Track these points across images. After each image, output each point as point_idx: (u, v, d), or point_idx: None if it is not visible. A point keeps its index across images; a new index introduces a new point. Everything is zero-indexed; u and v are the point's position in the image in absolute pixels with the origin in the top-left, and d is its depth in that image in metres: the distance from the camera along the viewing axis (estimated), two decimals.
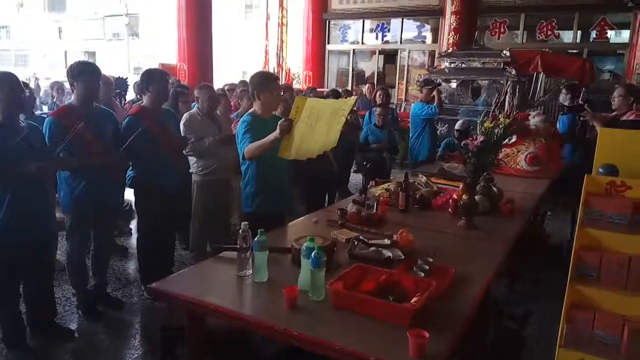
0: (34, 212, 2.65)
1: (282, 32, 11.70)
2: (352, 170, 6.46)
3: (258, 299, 1.90)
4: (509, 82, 6.63)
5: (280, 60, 11.80)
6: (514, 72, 6.65)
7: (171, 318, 2.11)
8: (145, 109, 3.35)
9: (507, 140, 4.54)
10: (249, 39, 18.12)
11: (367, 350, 1.49)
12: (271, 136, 2.70)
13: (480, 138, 2.69)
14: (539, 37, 9.21)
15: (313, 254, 1.81)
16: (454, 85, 7.53)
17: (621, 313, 1.51)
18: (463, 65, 7.30)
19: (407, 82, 10.85)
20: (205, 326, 1.99)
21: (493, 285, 3.25)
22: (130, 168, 3.45)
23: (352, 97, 3.66)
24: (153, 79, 3.32)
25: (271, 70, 11.48)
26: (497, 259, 2.38)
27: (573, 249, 1.64)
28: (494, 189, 3.31)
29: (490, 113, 3.10)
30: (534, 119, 4.50)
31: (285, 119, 2.66)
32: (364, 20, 11.50)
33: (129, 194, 4.05)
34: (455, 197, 3.05)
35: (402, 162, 6.11)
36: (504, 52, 6.92)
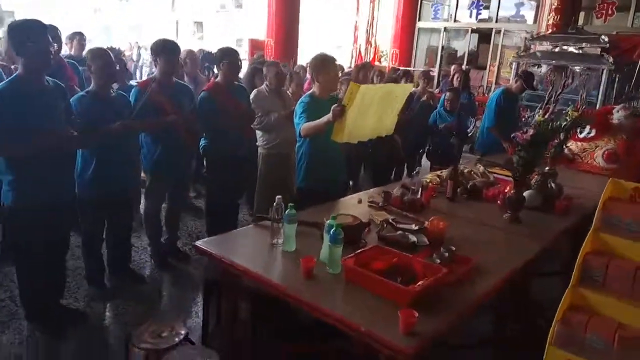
0: (118, 171, 3.06)
1: (373, 9, 11.63)
2: (424, 152, 6.43)
3: (282, 266, 2.11)
4: (604, 70, 6.12)
5: (370, 36, 11.77)
6: (611, 59, 6.10)
7: (211, 273, 2.40)
8: (218, 85, 3.67)
9: (585, 134, 4.31)
10: (343, 15, 18.13)
11: (359, 320, 1.64)
12: (324, 119, 2.87)
13: (530, 132, 2.64)
14: None
15: (332, 230, 1.98)
16: (544, 70, 7.09)
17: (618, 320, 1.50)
18: (557, 49, 6.83)
19: (499, 63, 10.32)
20: (241, 283, 2.24)
21: (539, 281, 3.20)
22: (203, 137, 3.82)
23: (409, 83, 3.72)
24: (226, 56, 3.61)
25: (359, 47, 11.52)
26: (529, 255, 2.37)
27: (581, 251, 1.64)
28: (552, 184, 3.21)
29: (544, 105, 2.94)
30: (618, 113, 4.19)
31: (338, 104, 2.81)
32: None
33: None
34: (506, 190, 3.02)
35: (473, 149, 5.95)
36: (602, 37, 6.36)
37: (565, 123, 3.22)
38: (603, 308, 1.54)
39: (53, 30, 3.64)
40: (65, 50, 5.01)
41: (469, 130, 5.45)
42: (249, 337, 2.30)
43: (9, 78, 2.50)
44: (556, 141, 3.42)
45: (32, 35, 2.34)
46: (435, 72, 11.37)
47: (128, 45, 14.60)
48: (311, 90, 3.26)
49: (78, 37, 5.12)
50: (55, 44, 2.56)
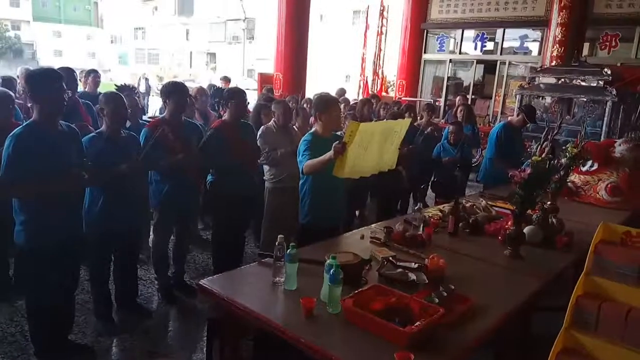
0: (125, 207, 3.13)
1: (380, 41, 11.90)
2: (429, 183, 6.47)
3: (282, 306, 2.15)
4: (608, 102, 6.18)
5: (377, 68, 12.00)
6: (614, 91, 6.17)
7: (214, 312, 2.44)
8: (225, 123, 3.78)
9: (587, 167, 4.35)
10: (352, 45, 18.54)
11: None
12: (326, 156, 2.95)
13: (528, 171, 2.69)
14: None
15: (332, 271, 2.03)
16: (549, 100, 7.17)
17: None
18: (561, 81, 6.92)
19: (504, 94, 10.44)
20: (244, 322, 2.28)
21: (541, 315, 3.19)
22: (210, 173, 3.92)
23: (407, 119, 3.88)
24: (233, 96, 3.73)
25: (365, 79, 11.73)
26: (528, 293, 2.39)
27: (573, 294, 1.67)
28: (552, 220, 3.24)
29: (540, 146, 2.97)
30: (620, 147, 4.24)
31: (339, 141, 2.90)
32: (463, 30, 11.26)
33: None
34: (507, 226, 3.05)
35: (478, 181, 5.98)
36: (605, 70, 6.44)
37: (563, 161, 3.27)
38: (596, 351, 1.56)
39: (69, 73, 3.82)
40: (80, 87, 5.21)
41: (473, 160, 5.51)
42: None
43: (25, 123, 2.63)
44: (557, 176, 3.46)
45: (47, 85, 2.48)
46: (441, 101, 11.52)
47: (137, 79, 15.03)
48: (313, 129, 3.36)
49: (93, 75, 5.34)
50: (69, 91, 2.68)
